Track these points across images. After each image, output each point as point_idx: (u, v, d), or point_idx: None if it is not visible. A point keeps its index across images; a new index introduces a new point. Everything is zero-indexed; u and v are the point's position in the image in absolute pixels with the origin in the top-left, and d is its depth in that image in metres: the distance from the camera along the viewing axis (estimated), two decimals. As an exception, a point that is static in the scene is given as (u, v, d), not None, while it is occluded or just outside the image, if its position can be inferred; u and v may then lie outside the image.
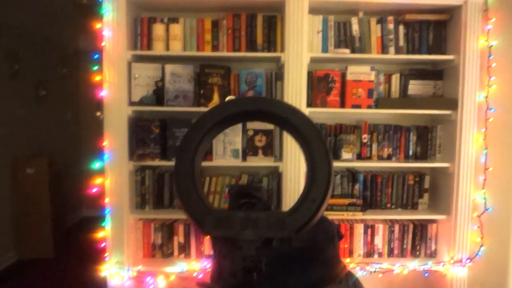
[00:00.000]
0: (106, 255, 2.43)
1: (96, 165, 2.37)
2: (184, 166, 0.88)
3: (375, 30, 2.47)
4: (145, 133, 2.38)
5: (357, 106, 2.45)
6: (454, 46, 2.42)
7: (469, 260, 2.45)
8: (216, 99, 2.40)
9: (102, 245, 2.43)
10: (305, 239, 1.99)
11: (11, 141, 4.03)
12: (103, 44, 2.31)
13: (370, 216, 2.52)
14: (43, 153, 4.47)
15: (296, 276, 1.92)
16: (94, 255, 4.01)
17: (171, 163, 2.43)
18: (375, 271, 2.47)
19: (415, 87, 2.55)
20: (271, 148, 2.43)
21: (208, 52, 2.43)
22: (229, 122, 0.93)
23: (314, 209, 0.82)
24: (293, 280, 1.94)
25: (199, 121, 0.90)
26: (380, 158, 2.57)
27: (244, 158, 2.44)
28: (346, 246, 2.59)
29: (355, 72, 2.44)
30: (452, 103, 2.41)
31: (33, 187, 4.05)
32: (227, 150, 2.41)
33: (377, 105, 2.46)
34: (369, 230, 2.60)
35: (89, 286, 3.43)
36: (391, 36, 2.47)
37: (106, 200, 2.36)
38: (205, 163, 2.43)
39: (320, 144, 0.85)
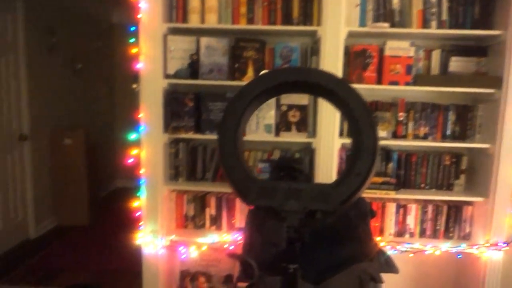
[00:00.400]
0: (140, 224, 2.51)
1: (132, 136, 2.42)
2: (227, 136, 0.88)
3: (417, 3, 2.37)
4: (179, 106, 2.41)
5: (395, 83, 2.38)
6: (502, 20, 2.29)
7: (505, 244, 2.39)
8: (250, 73, 2.38)
9: (137, 214, 2.51)
10: (337, 214, 1.99)
11: (49, 113, 4.18)
12: (139, 16, 2.32)
13: (403, 195, 2.49)
14: (80, 125, 4.61)
15: (327, 252, 1.93)
16: (129, 223, 4.15)
17: (205, 136, 2.46)
18: (406, 251, 2.45)
19: (456, 64, 2.45)
20: (305, 124, 2.41)
21: (243, 25, 2.39)
22: (273, 93, 0.92)
23: (358, 182, 0.81)
24: (324, 256, 1.95)
25: (243, 90, 0.90)
26: (416, 137, 2.51)
27: (277, 134, 2.44)
28: (377, 224, 2.57)
29: (393, 47, 2.36)
30: (497, 81, 2.30)
31: (71, 158, 4.21)
32: (260, 125, 2.41)
33: (415, 82, 2.38)
34: (401, 210, 2.56)
35: (124, 252, 3.57)
36: (434, 10, 2.36)
37: (142, 171, 2.42)
38: (238, 138, 2.44)
39: (367, 118, 0.83)
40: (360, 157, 0.82)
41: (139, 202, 2.50)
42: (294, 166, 1.16)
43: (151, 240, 2.48)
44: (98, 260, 3.48)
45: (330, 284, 1.84)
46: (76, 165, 4.24)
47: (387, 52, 2.36)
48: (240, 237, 2.52)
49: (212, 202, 2.63)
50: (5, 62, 3.49)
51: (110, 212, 4.85)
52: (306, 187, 0.85)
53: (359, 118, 0.83)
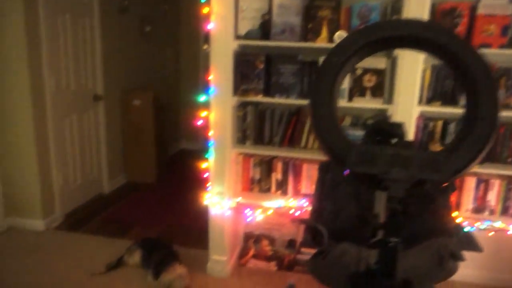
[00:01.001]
0: (208, 185, 2.55)
1: (202, 98, 2.42)
2: (323, 95, 0.81)
3: (521, -47, 2.08)
4: (249, 68, 2.36)
5: (487, 46, 2.14)
6: None
7: None
8: (324, 34, 2.26)
9: (205, 175, 2.55)
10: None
11: (120, 74, 4.33)
12: (211, -25, 2.26)
13: (486, 169, 2.29)
14: (148, 87, 4.75)
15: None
16: (194, 183, 4.28)
17: (274, 100, 2.40)
18: (485, 229, 2.28)
19: (561, 24, 2.14)
20: (381, 89, 2.26)
21: (318, -18, 2.25)
22: (377, 48, 0.83)
23: (475, 151, 0.72)
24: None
25: (343, 43, 0.82)
26: (507, 106, 2.27)
27: (350, 99, 2.32)
28: (453, 199, 2.41)
29: (489, 4, 2.10)
30: None
31: (140, 118, 4.37)
32: (332, 90, 2.29)
33: (511, 45, 2.13)
34: (482, 185, 2.37)
35: (190, 210, 3.71)
36: (541, -39, 2.05)
37: (210, 134, 2.43)
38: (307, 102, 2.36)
39: (488, 81, 0.72)
40: (478, 124, 0.72)
41: (207, 164, 2.52)
42: (393, 130, 1.06)
43: (218, 201, 2.53)
44: (166, 216, 3.64)
45: (407, 257, 1.76)
46: (144, 126, 4.40)
47: (481, 11, 2.11)
48: (307, 203, 2.49)
49: (279, 166, 2.61)
50: (81, 25, 3.62)
51: (175, 172, 5.04)
52: (414, 154, 0.76)
53: (479, 81, 0.72)
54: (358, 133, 2.30)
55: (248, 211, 2.53)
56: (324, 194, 2.07)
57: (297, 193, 2.62)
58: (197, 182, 4.60)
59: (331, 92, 0.82)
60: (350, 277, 1.13)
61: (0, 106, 3.05)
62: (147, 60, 4.94)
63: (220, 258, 2.65)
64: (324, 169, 2.14)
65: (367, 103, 2.29)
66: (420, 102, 2.25)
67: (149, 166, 4.52)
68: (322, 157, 2.42)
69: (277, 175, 2.63)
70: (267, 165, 2.62)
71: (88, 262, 2.79)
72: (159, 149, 4.60)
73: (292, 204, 2.50)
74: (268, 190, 2.67)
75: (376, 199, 0.83)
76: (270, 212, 2.50)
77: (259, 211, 2.51)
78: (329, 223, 1.96)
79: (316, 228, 1.91)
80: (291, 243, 2.82)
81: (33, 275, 2.62)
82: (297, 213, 2.50)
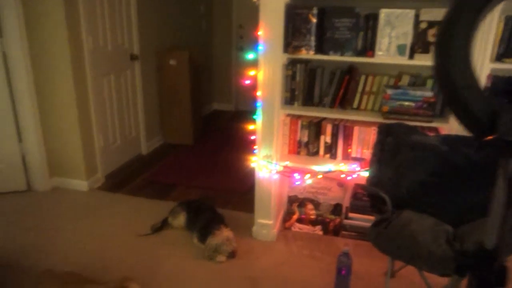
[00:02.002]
0: (255, 147, 2.46)
1: (250, 56, 2.28)
2: (458, 50, 0.67)
3: None
4: (301, 23, 2.19)
5: None
6: None
7: None
8: (386, -17, 2.05)
9: (252, 137, 2.45)
10: (485, 154, 1.72)
11: (155, 34, 4.20)
12: None
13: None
14: (183, 46, 4.62)
15: (469, 194, 1.70)
16: (230, 145, 4.22)
17: (328, 57, 2.24)
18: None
19: None
20: (448, 45, 2.05)
21: None
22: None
23: None
24: (462, 198, 1.73)
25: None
26: None
27: (411, 56, 2.13)
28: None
29: None
30: None
31: (176, 78, 4.28)
32: (392, 46, 2.11)
33: None
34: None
35: (230, 172, 3.67)
36: None
37: (258, 93, 2.31)
38: (364, 60, 2.18)
39: None
40: None
41: (254, 126, 2.42)
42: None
43: (265, 165, 2.44)
44: (206, 179, 3.61)
45: (470, 229, 1.64)
46: (180, 86, 4.31)
47: None
48: (358, 168, 2.37)
49: (328, 129, 2.48)
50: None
51: (210, 133, 4.99)
52: None
53: None
54: (419, 93, 2.13)
55: (296, 175, 2.44)
56: (384, 159, 1.94)
57: (346, 157, 2.51)
58: (235, 144, 4.56)
59: (468, 45, 0.68)
60: (457, 254, 1.02)
61: (41, 68, 3.01)
62: (181, 18, 4.78)
63: (266, 222, 2.60)
64: (384, 132, 2.00)
65: (431, 61, 2.09)
66: (491, 58, 2.04)
67: (186, 127, 4.48)
68: (375, 119, 2.28)
69: (326, 138, 2.51)
70: (316, 127, 2.50)
71: (132, 222, 2.80)
72: (195, 110, 4.53)
73: (343, 168, 2.39)
74: (316, 153, 2.56)
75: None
76: (319, 176, 2.40)
77: (307, 175, 2.42)
78: (390, 190, 1.84)
79: (378, 195, 1.80)
80: (336, 208, 2.74)
81: (80, 234, 2.65)
82: (348, 178, 2.40)
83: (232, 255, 2.41)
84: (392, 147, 1.86)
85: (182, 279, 2.23)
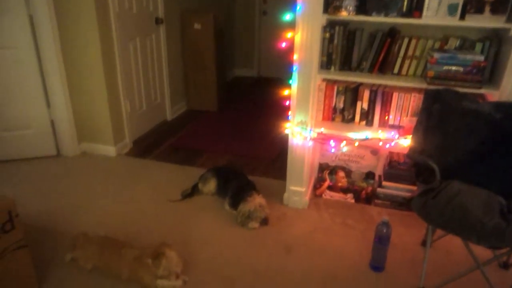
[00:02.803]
0: (289, 113, 2.39)
1: (287, 17, 2.17)
2: None
3: None
4: (343, -19, 2.05)
5: None
6: None
7: None
8: None
9: (287, 103, 2.38)
10: None
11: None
12: None
13: None
14: (207, 10, 4.47)
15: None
16: (256, 111, 4.16)
17: (369, 18, 2.11)
18: None
19: None
20: (504, 4, 1.90)
21: None
22: None
23: None
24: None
25: None
26: None
27: (462, 16, 1.99)
28: None
29: None
30: None
31: (200, 43, 4.17)
32: (442, 5, 1.97)
33: None
34: None
35: (258, 140, 3.63)
36: None
37: (295, 57, 2.21)
38: (409, 21, 2.05)
39: None
40: None
41: (288, 91, 2.34)
42: None
43: (299, 131, 2.38)
44: (233, 145, 3.57)
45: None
46: (205, 51, 4.21)
47: None
48: (396, 136, 2.29)
49: (365, 95, 2.38)
50: None
51: (235, 99, 4.91)
52: None
53: None
54: (469, 57, 2.00)
55: (331, 143, 2.37)
56: (430, 127, 1.86)
57: (383, 124, 2.42)
58: (260, 111, 4.48)
59: None
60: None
61: (68, 32, 2.94)
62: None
63: (298, 189, 2.57)
64: (431, 98, 1.90)
65: (484, 22, 1.95)
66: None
67: (210, 93, 4.41)
68: (418, 84, 2.17)
69: (362, 104, 2.42)
70: (353, 93, 2.40)
71: (162, 188, 2.80)
72: (219, 75, 4.44)
73: (381, 135, 2.31)
74: (351, 120, 2.48)
75: None
76: (356, 144, 2.32)
77: (343, 143, 2.35)
78: (437, 159, 1.77)
79: (427, 164, 1.73)
80: (369, 176, 2.68)
81: (112, 199, 2.67)
82: (386, 146, 2.32)
83: (264, 221, 2.40)
84: (440, 114, 1.78)
85: (216, 245, 2.23)
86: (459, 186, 1.62)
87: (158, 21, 3.71)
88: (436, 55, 2.02)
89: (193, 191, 2.73)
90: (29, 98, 3.01)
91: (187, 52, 4.27)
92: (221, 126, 4.07)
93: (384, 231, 1.96)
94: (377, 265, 2.06)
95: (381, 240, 1.99)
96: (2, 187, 2.80)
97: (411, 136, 2.02)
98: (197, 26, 4.12)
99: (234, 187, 2.57)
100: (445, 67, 2.01)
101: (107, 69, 3.06)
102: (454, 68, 2.00)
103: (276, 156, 3.32)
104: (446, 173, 1.70)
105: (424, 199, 1.68)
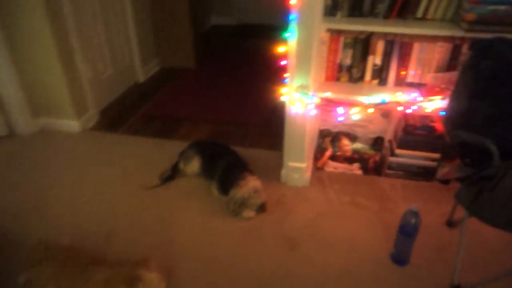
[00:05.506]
0: (286, 75, 1.91)
1: None
2: None
3: None
4: None
5: None
6: None
7: None
8: None
9: (282, 62, 1.89)
10: None
11: None
12: None
13: None
14: None
15: None
16: (241, 68, 3.61)
17: None
18: None
19: None
20: None
21: None
22: None
23: None
24: None
25: None
26: None
27: None
28: None
29: None
30: None
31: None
32: None
33: None
34: None
35: (245, 104, 3.15)
36: None
37: (292, 1, 1.69)
38: None
39: None
40: None
41: (286, 47, 1.84)
42: None
43: (299, 98, 1.91)
44: (217, 111, 3.09)
45: None
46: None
47: None
48: (419, 98, 1.86)
49: (379, 47, 1.91)
50: None
51: (214, 54, 4.34)
52: None
53: None
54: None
55: (340, 110, 1.93)
56: (478, 90, 1.42)
57: (399, 83, 1.98)
58: (244, 66, 3.95)
59: None
60: None
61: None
62: None
63: (298, 165, 2.16)
64: (480, 52, 1.45)
65: None
66: None
67: (185, 47, 3.84)
68: (447, 31, 1.69)
69: (375, 59, 1.96)
70: (363, 45, 1.93)
71: (138, 170, 2.36)
72: (195, 25, 3.84)
73: (401, 98, 1.87)
74: (360, 79, 2.03)
75: None
76: (370, 110, 1.89)
77: (355, 109, 1.91)
78: (489, 133, 1.36)
79: (483, 144, 1.31)
80: (377, 141, 2.27)
81: (78, 188, 2.22)
82: (407, 110, 1.89)
83: (262, 208, 2.01)
84: (492, 73, 1.33)
85: (205, 245, 1.83)
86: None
87: (116, -37, 3.07)
88: (478, -7, 1.54)
89: (173, 173, 2.29)
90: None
91: (157, 4, 3.63)
92: (201, 87, 3.55)
93: (413, 221, 1.58)
94: (401, 258, 1.71)
95: (408, 233, 1.61)
96: None
97: (440, 99, 1.59)
98: (164, -32, 3.46)
99: (222, 167, 2.15)
100: (491, 7, 1.54)
101: (56, 27, 2.47)
102: (502, 7, 1.52)
103: (265, 121, 2.87)
104: (500, 153, 1.29)
105: (476, 189, 1.28)
